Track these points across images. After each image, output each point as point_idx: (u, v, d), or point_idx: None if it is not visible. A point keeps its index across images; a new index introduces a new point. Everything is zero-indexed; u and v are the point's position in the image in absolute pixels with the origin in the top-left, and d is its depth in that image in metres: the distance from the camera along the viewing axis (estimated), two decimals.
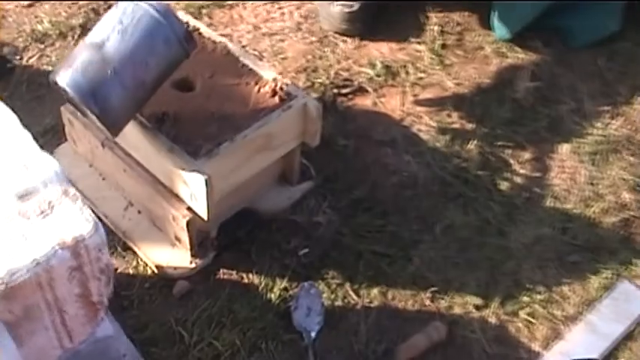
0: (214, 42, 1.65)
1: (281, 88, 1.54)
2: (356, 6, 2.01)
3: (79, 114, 1.50)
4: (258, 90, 1.56)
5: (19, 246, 1.05)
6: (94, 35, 1.34)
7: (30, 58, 1.95)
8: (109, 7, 1.78)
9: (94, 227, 1.08)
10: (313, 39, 2.02)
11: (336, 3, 2.02)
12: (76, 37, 2.00)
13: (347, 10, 2.01)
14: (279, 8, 2.12)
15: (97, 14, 2.07)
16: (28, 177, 1.13)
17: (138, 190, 1.56)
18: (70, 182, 1.14)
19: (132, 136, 1.49)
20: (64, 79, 1.31)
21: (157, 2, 1.35)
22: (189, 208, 1.48)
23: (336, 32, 2.03)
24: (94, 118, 1.34)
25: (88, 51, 1.33)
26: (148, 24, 1.33)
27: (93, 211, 1.51)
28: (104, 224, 1.55)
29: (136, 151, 1.52)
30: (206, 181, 1.39)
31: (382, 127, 1.81)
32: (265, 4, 2.12)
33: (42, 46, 1.98)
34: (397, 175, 1.71)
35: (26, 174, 1.13)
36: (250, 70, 1.60)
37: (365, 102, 1.87)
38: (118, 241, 1.57)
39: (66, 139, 1.69)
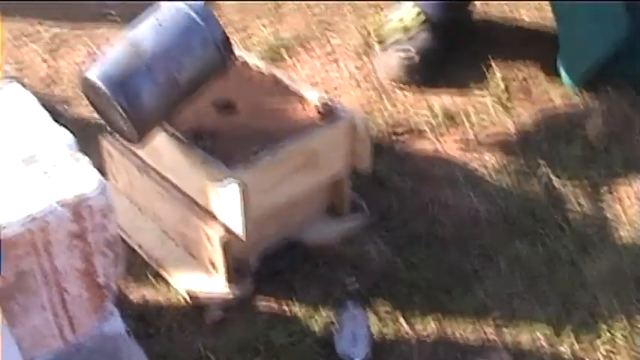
0: (262, 72, 1.58)
1: (326, 106, 1.44)
2: (416, 55, 1.92)
3: (117, 140, 1.48)
4: (305, 112, 1.47)
5: (15, 203, 0.94)
6: (130, 33, 1.29)
7: (78, 109, 1.90)
8: None
9: (99, 187, 0.96)
10: (370, 89, 1.93)
11: (395, 53, 1.94)
12: None
13: (406, 59, 1.92)
14: (337, 64, 2.04)
15: None
16: (37, 145, 1.03)
17: (173, 215, 1.46)
18: (81, 152, 1.04)
19: (167, 152, 1.41)
20: (94, 72, 1.25)
21: (197, 4, 1.29)
22: (225, 229, 1.36)
23: (394, 82, 1.94)
24: (122, 123, 1.25)
25: (121, 46, 1.27)
26: (186, 23, 1.28)
27: (127, 242, 1.46)
28: (138, 254, 1.46)
29: (171, 170, 1.43)
30: (241, 190, 1.28)
31: (441, 167, 1.69)
32: (323, 58, 2.05)
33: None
34: (458, 211, 1.57)
35: (36, 142, 1.04)
36: (296, 92, 1.51)
37: (423, 144, 1.75)
38: (150, 271, 1.45)
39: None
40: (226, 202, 1.31)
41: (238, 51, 1.64)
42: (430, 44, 1.94)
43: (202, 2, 1.31)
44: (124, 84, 1.23)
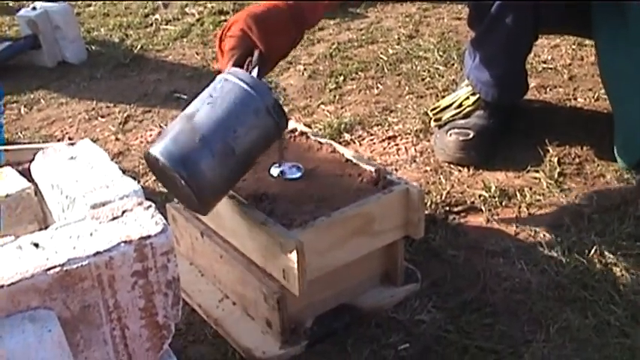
0: (320, 142, 1.65)
1: (383, 177, 1.50)
2: (472, 134, 1.98)
3: (181, 208, 1.58)
4: (361, 180, 1.52)
5: (84, 241, 1.01)
6: (187, 109, 1.36)
7: (146, 181, 1.99)
8: None
9: (162, 229, 1.03)
10: (428, 169, 1.99)
11: (451, 132, 2.00)
12: None
13: (462, 138, 1.98)
14: (396, 145, 2.11)
15: None
16: (106, 193, 1.11)
17: (231, 276, 1.51)
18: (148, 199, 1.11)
19: (228, 215, 1.47)
20: (157, 149, 1.31)
21: (247, 75, 1.36)
22: (282, 289, 1.41)
23: (450, 163, 2.00)
24: (186, 191, 1.32)
25: (179, 123, 1.33)
26: (237, 94, 1.33)
27: (187, 303, 1.53)
28: (197, 314, 1.52)
29: (232, 232, 1.49)
30: (299, 250, 1.33)
31: (494, 240, 1.72)
32: (382, 140, 2.12)
33: None
34: (509, 281, 1.60)
35: (105, 191, 1.12)
36: (354, 163, 1.57)
37: (478, 219, 1.79)
38: (209, 330, 1.50)
39: None
40: (284, 262, 1.36)
41: (298, 124, 1.73)
42: (485, 122, 2.00)
43: (248, 73, 1.37)
44: (184, 158, 1.28)
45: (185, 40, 2.88)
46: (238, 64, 1.44)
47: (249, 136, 1.33)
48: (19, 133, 2.32)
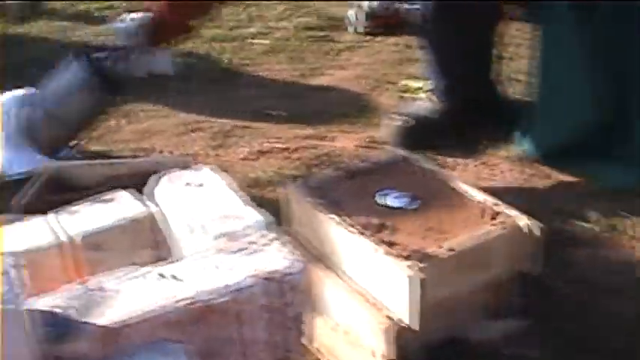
0: (423, 169, 1.62)
1: (500, 212, 1.46)
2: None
3: (297, 233, 1.56)
4: (478, 213, 1.49)
5: (213, 275, 0.98)
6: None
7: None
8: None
9: (292, 264, 1.00)
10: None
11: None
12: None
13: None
14: (502, 172, 2.06)
15: (309, 168, 2.09)
16: (233, 223, 1.08)
17: (344, 305, 1.47)
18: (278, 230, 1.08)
19: (343, 243, 1.44)
20: None
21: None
22: (394, 320, 1.38)
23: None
24: None
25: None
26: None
27: None
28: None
29: (347, 262, 1.46)
30: (416, 281, 1.30)
31: (605, 273, 1.66)
32: (485, 166, 2.07)
33: (263, 191, 2.00)
34: (619, 319, 1.53)
35: (232, 221, 1.09)
36: (469, 195, 1.54)
37: (584, 251, 1.72)
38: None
39: None
40: (402, 295, 1.32)
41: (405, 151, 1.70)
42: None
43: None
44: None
45: (273, 55, 2.85)
46: None
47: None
48: (112, 146, 2.32)
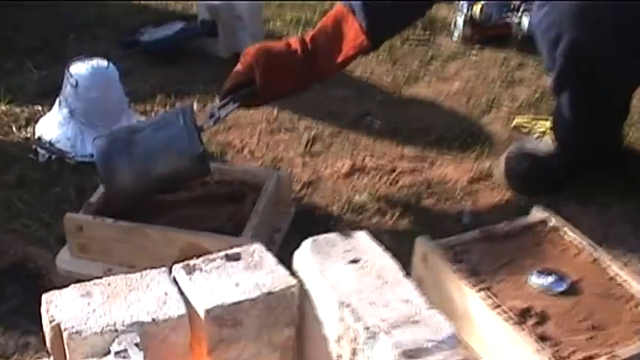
0: (577, 246, 1.41)
1: None
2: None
3: None
4: (633, 307, 1.27)
5: None
6: (141, 123, 1.78)
7: (343, 227, 1.76)
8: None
9: None
10: None
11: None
12: (395, 215, 1.80)
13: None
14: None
15: (419, 199, 1.88)
16: (416, 332, 0.87)
17: None
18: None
19: (489, 327, 1.24)
20: (98, 143, 1.58)
21: (192, 120, 1.54)
22: None
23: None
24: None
25: (125, 132, 1.61)
26: (174, 132, 1.54)
27: None
28: None
29: (493, 349, 1.25)
30: None
31: None
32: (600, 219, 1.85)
33: (358, 217, 1.79)
34: None
35: (414, 329, 0.88)
36: (622, 280, 1.33)
37: None
38: None
39: None
40: None
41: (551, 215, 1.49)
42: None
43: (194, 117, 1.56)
44: (108, 159, 1.55)
45: (372, 54, 2.62)
46: (233, 89, 1.63)
47: (166, 169, 1.54)
48: None
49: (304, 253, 1.01)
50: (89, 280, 1.49)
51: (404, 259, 1.17)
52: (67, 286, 0.99)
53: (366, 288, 0.94)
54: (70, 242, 1.59)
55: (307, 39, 1.66)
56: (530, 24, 2.50)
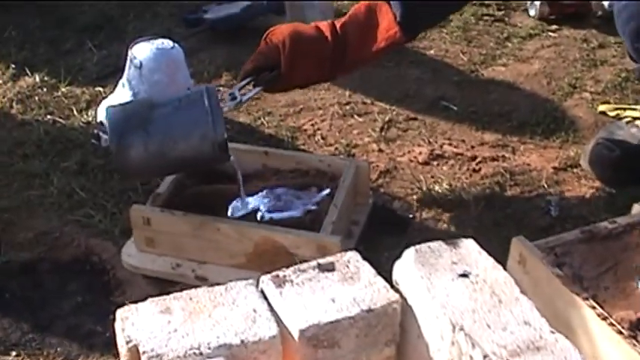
0: None
1: None
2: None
3: None
4: None
5: None
6: (160, 97, 1.50)
7: (424, 219, 1.65)
8: None
9: None
10: None
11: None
12: (480, 206, 1.68)
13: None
14: None
15: (503, 189, 1.76)
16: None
17: None
18: None
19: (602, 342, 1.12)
20: (111, 112, 1.44)
21: (217, 102, 1.40)
22: None
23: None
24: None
25: (144, 105, 1.45)
26: (197, 113, 1.39)
27: None
28: None
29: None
30: None
31: None
32: None
33: (439, 209, 1.68)
34: None
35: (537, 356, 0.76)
36: None
37: None
38: None
39: None
40: None
41: None
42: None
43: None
44: (122, 134, 1.40)
45: (445, 31, 2.49)
46: (255, 71, 1.52)
47: (185, 153, 1.41)
48: (263, 119, 2.00)
49: (407, 265, 0.90)
50: (156, 277, 1.43)
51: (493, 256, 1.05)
52: (143, 300, 0.89)
53: (480, 307, 0.83)
54: (137, 235, 1.50)
55: (338, 25, 1.55)
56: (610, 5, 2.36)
